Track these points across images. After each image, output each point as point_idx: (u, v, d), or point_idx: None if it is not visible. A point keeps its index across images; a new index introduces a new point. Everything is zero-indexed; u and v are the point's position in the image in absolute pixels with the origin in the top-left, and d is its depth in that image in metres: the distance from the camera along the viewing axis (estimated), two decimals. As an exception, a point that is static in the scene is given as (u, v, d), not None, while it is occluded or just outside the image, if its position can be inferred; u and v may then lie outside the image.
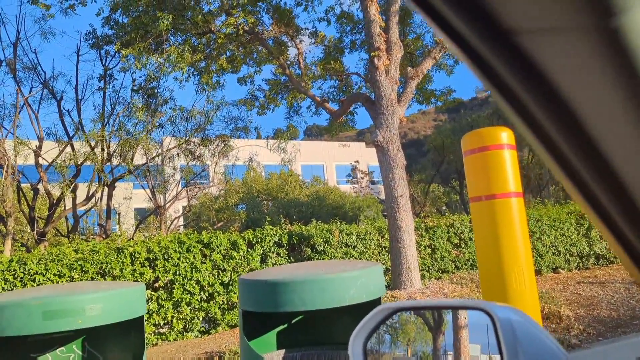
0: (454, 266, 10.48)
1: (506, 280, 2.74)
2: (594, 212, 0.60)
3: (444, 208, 29.95)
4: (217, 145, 14.47)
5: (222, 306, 8.35)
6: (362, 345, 1.10)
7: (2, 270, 7.04)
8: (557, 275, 10.96)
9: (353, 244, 9.64)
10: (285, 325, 3.43)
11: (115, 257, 7.74)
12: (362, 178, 34.84)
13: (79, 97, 12.84)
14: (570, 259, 11.72)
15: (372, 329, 1.11)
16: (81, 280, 7.37)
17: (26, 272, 7.13)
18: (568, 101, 0.49)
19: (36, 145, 11.77)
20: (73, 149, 12.00)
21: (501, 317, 0.89)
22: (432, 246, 10.37)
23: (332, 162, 46.00)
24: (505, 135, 2.87)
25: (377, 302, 2.97)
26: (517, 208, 2.82)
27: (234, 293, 8.37)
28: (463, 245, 10.70)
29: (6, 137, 11.87)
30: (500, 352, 0.87)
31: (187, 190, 16.01)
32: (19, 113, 11.74)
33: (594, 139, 0.51)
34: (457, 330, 1.09)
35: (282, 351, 3.33)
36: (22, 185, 12.72)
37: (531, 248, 3.15)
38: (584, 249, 11.81)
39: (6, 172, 10.57)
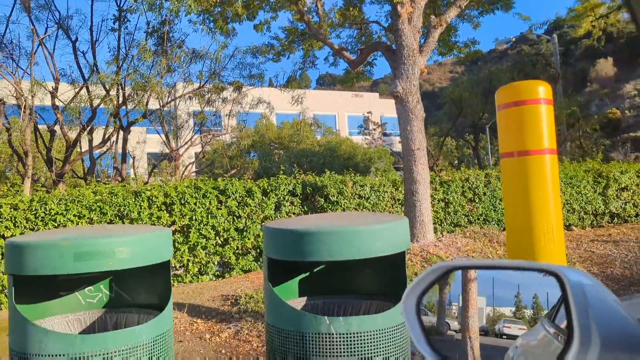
0: (466, 220, 10.51)
1: (534, 238, 2.73)
2: None
3: (455, 162, 29.80)
4: (231, 92, 14.35)
5: (237, 251, 8.49)
6: (415, 302, 1.09)
7: (24, 210, 7.15)
8: (570, 232, 10.97)
9: (366, 196, 9.66)
10: (307, 274, 3.47)
11: (133, 200, 7.82)
12: (375, 129, 34.58)
13: (94, 38, 12.67)
14: (585, 216, 11.70)
15: (426, 287, 1.10)
16: (100, 222, 7.49)
17: (47, 212, 7.24)
18: None
19: (52, 87, 11.73)
20: (88, 91, 11.94)
21: (572, 281, 0.86)
22: (446, 200, 10.37)
23: (345, 113, 45.57)
24: (542, 90, 2.78)
25: (401, 255, 2.98)
26: (551, 165, 2.77)
27: (248, 239, 8.49)
28: (477, 200, 10.69)
29: (22, 77, 11.83)
30: (569, 318, 0.85)
31: (200, 137, 16.02)
32: (35, 53, 11.63)
33: None
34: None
35: (304, 298, 3.38)
36: (39, 126, 12.77)
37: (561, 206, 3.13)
38: (600, 207, 11.76)
39: (24, 112, 10.59)
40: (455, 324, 1.21)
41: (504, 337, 1.13)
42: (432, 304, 1.13)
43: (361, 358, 2.67)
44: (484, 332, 1.14)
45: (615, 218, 12.04)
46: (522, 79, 18.35)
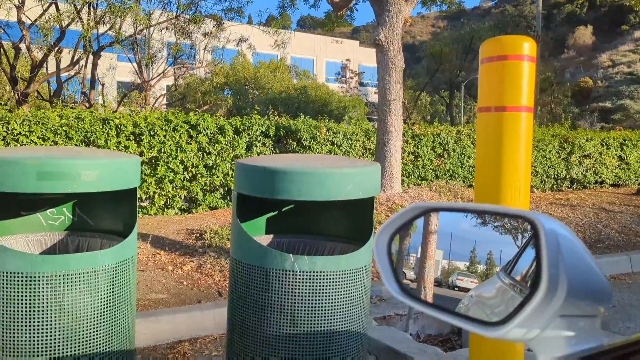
0: (433, 175, 10.66)
1: (501, 194, 2.77)
2: None
3: (428, 117, 29.94)
4: (208, 24, 13.86)
5: (205, 187, 8.45)
6: (387, 241, 1.10)
7: (-16, 128, 6.90)
8: (531, 194, 11.28)
9: (339, 143, 9.66)
10: (275, 213, 3.48)
11: (101, 127, 7.62)
12: (352, 78, 34.24)
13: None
14: (547, 180, 12.01)
15: (400, 227, 1.10)
16: (65, 146, 7.30)
17: (9, 132, 7.00)
18: None
19: (19, 1, 11.09)
20: (58, 8, 11.35)
21: (547, 229, 0.87)
22: (416, 153, 10.46)
23: (323, 58, 44.89)
24: (527, 46, 2.76)
25: (371, 200, 3.01)
26: (526, 123, 2.79)
27: (217, 177, 8.44)
28: (446, 156, 10.82)
29: (-14, -13, 11.12)
30: (539, 266, 0.86)
31: (174, 69, 15.55)
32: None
33: None
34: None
35: (271, 236, 3.41)
36: (3, 42, 12.15)
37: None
38: (562, 172, 12.09)
39: (-14, 25, 10.01)
40: (411, 274, 1.25)
41: (455, 289, 1.18)
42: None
43: (323, 297, 2.72)
44: (437, 283, 1.19)
45: (575, 184, 12.42)
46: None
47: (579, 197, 10.93)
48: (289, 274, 2.69)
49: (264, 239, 3.34)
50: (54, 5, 11.32)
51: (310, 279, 2.69)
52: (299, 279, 2.69)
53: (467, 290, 1.17)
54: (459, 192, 9.33)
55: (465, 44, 19.71)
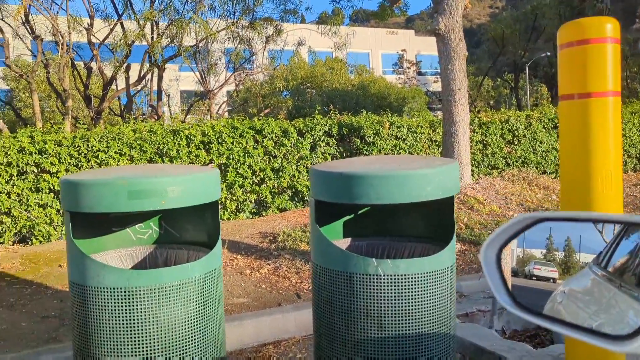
0: (504, 163, 10.32)
1: (591, 184, 2.64)
2: None
3: (492, 102, 29.02)
4: (267, 28, 14.06)
5: (273, 190, 8.58)
6: (495, 253, 1.07)
7: (68, 146, 7.32)
8: (611, 177, 10.70)
9: (403, 137, 9.54)
10: (352, 215, 3.48)
11: (172, 138, 7.91)
12: (409, 68, 33.72)
13: (127, -28, 12.43)
14: (628, 160, 11.36)
15: (509, 238, 1.07)
16: (140, 159, 7.62)
17: (89, 149, 7.40)
18: None
19: (87, 23, 11.69)
20: (123, 28, 11.87)
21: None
22: (484, 142, 10.17)
23: (379, 51, 44.45)
24: (610, 27, 2.61)
25: (450, 199, 2.95)
26: (613, 108, 2.64)
27: (284, 179, 8.55)
28: (516, 142, 10.45)
29: (58, 13, 11.80)
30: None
31: (234, 75, 15.89)
32: (69, -12, 11.52)
33: None
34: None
35: (349, 239, 3.41)
36: (75, 63, 12.85)
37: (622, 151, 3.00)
38: (643, 151, 11.39)
39: (61, 49, 10.63)
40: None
41: (533, 278, 1.13)
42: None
43: (408, 300, 2.69)
44: (513, 272, 1.15)
45: (660, 163, 11.66)
46: (569, 15, 17.44)
47: (664, 176, 10.27)
48: (373, 278, 2.68)
49: (343, 243, 3.35)
50: (120, 24, 11.84)
51: (394, 282, 2.67)
52: (383, 282, 2.68)
53: (546, 279, 1.12)
54: (534, 179, 8.99)
55: (527, 23, 18.90)
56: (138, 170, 2.97)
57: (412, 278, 2.69)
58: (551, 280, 1.12)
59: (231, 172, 8.21)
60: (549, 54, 21.03)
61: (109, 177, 2.63)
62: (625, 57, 19.48)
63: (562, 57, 2.78)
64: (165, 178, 2.63)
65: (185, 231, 3.34)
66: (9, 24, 11.71)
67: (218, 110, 16.15)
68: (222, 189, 8.16)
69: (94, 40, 12.11)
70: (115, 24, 12.17)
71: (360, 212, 3.47)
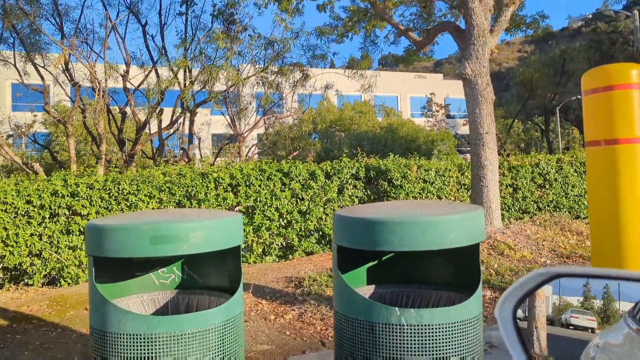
0: (535, 207, 10.11)
1: (622, 234, 2.55)
2: None
3: (522, 145, 28.70)
4: (295, 73, 14.37)
5: (300, 233, 8.56)
6: (512, 309, 1.02)
7: (99, 189, 7.49)
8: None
9: (431, 180, 9.47)
10: (376, 262, 3.42)
11: (200, 181, 8.02)
12: (438, 111, 33.81)
13: (162, 22, 13.00)
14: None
15: (525, 294, 1.02)
16: (169, 202, 7.73)
17: (120, 192, 7.55)
18: None
19: (123, 70, 12.15)
20: (157, 74, 12.29)
21: None
22: (514, 186, 10.01)
23: (407, 94, 44.81)
24: (635, 73, 2.57)
25: (476, 246, 2.88)
26: (643, 155, 2.57)
27: (311, 221, 8.53)
28: (547, 186, 10.25)
29: (96, 61, 12.32)
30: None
31: (264, 119, 16.20)
32: (107, 37, 12.07)
33: None
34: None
35: (372, 287, 3.35)
36: (111, 107, 13.30)
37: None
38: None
39: (98, 95, 11.04)
40: (519, 312, 1.15)
41: (570, 327, 1.06)
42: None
43: (432, 351, 2.60)
44: (549, 321, 1.08)
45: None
46: (598, 59, 17.33)
47: None
48: (396, 328, 2.61)
49: (366, 290, 3.29)
50: (154, 71, 12.27)
51: (418, 332, 2.59)
52: (407, 333, 2.60)
53: (583, 328, 1.06)
54: (566, 224, 8.75)
55: (556, 67, 18.86)
56: (161, 215, 3.00)
57: (436, 328, 2.61)
58: (589, 330, 1.06)
59: (258, 214, 8.24)
60: (579, 97, 20.83)
61: (132, 222, 2.66)
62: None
63: (587, 103, 2.74)
64: (188, 223, 2.64)
65: (208, 276, 3.33)
66: (49, 72, 12.27)
67: (247, 152, 16.39)
68: (249, 231, 8.18)
69: (129, 86, 12.56)
70: (150, 71, 12.63)
71: (384, 258, 3.41)
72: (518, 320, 1.06)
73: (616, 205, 2.57)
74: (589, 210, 2.76)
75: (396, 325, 2.61)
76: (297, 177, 8.56)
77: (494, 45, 8.39)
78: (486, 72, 8.21)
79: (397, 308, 2.62)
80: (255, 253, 8.31)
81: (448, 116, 37.51)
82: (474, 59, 8.17)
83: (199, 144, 16.38)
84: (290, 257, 8.55)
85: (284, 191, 8.47)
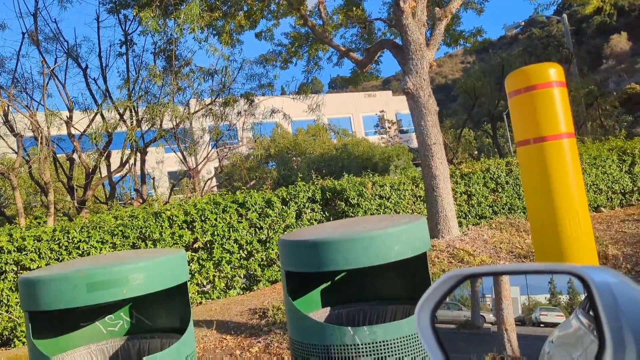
0: (491, 211, 10.31)
1: (560, 227, 2.60)
2: None
3: (475, 153, 29.41)
4: (242, 104, 14.36)
5: (262, 263, 8.44)
6: (429, 315, 1.01)
7: (47, 240, 7.21)
8: (600, 214, 10.69)
9: (387, 196, 9.55)
10: (329, 283, 3.38)
11: (154, 221, 7.83)
12: (390, 127, 34.39)
13: (104, 64, 12.81)
14: (613, 196, 11.39)
15: (440, 298, 1.01)
16: (123, 245, 7.51)
17: (70, 241, 7.29)
18: None
19: (67, 116, 11.87)
20: (103, 117, 12.06)
21: (597, 282, 0.77)
22: (468, 192, 10.19)
23: (359, 114, 45.45)
24: (553, 72, 2.66)
25: (422, 256, 2.88)
26: (570, 149, 2.65)
27: (272, 250, 8.43)
28: (500, 190, 10.49)
29: (37, 109, 12.00)
30: (598, 322, 0.75)
31: (217, 151, 16.07)
32: (47, 84, 11.80)
33: None
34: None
35: (327, 309, 3.30)
36: (58, 155, 12.94)
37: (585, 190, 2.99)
38: (627, 185, 11.45)
39: (41, 144, 10.72)
40: (490, 317, 1.15)
41: (541, 325, 1.06)
42: (464, 298, 1.05)
43: (390, 367, 2.57)
44: (520, 322, 1.08)
45: (646, 195, 11.70)
46: (534, 62, 18.02)
47: (651, 208, 10.27)
48: (351, 348, 2.56)
49: (322, 313, 3.24)
50: (100, 114, 12.04)
51: (373, 350, 2.56)
52: (362, 351, 2.56)
53: (553, 325, 1.05)
54: (521, 225, 8.94)
55: (497, 74, 19.55)
56: (97, 261, 2.89)
57: (391, 344, 2.58)
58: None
59: (217, 248, 8.09)
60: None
61: (65, 270, 2.55)
62: (595, 97, 20.00)
63: (513, 105, 2.82)
64: (126, 266, 2.55)
65: (158, 318, 3.22)
66: (-12, 126, 11.88)
67: (204, 187, 16.18)
68: (209, 267, 8.01)
69: (74, 131, 12.26)
70: (95, 115, 12.37)
71: (337, 278, 3.38)
72: (436, 326, 1.04)
73: (550, 200, 2.63)
74: (527, 209, 2.82)
75: (351, 345, 2.57)
76: (253, 206, 8.47)
77: (432, 58, 8.61)
78: (427, 84, 8.39)
79: (349, 328, 2.58)
80: (218, 288, 8.13)
81: (401, 131, 38.21)
82: (414, 73, 8.35)
83: (153, 183, 16.08)
84: (255, 287, 8.41)
85: (241, 222, 8.36)
